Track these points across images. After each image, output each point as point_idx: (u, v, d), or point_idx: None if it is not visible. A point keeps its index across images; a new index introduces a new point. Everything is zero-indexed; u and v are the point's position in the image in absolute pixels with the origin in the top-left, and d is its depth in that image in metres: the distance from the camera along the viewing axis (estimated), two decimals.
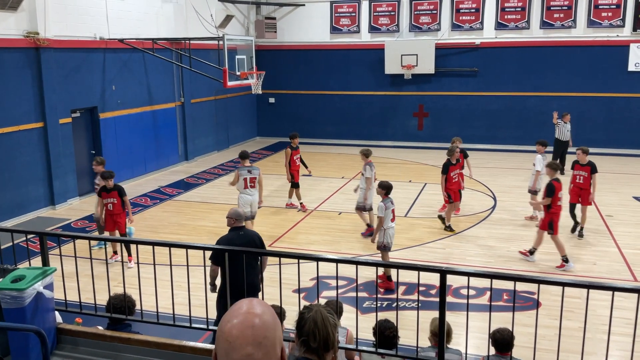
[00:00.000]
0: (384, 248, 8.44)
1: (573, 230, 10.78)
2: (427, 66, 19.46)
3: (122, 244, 9.11)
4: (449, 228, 11.03)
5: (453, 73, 19.82)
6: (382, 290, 8.28)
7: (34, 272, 4.65)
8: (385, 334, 4.81)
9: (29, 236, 6.26)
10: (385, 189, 8.42)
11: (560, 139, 15.56)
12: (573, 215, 10.82)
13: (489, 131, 19.73)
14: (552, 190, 9.11)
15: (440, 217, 11.46)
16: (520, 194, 13.04)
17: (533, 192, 11.34)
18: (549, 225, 9.14)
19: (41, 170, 12.51)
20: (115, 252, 9.29)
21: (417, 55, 19.43)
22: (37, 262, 5.58)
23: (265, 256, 6.28)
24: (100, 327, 5.13)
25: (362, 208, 10.90)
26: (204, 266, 4.70)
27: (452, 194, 11.05)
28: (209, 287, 5.93)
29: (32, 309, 4.50)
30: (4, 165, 11.55)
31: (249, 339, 1.40)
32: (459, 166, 11.27)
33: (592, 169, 10.46)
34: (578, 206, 10.77)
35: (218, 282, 6.18)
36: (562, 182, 9.43)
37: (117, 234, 9.37)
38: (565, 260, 9.13)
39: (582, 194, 10.56)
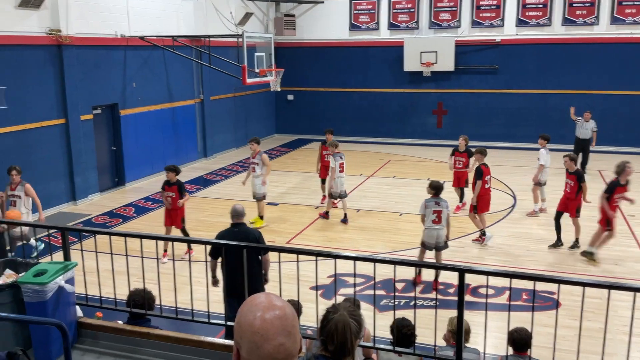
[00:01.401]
0: (422, 245, 8.56)
1: (555, 245, 9.86)
2: (446, 63, 19.31)
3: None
4: (591, 255, 9.42)
5: (473, 70, 19.66)
6: (399, 288, 8.26)
7: (56, 267, 4.72)
8: (403, 332, 4.80)
9: (51, 231, 6.37)
10: (434, 189, 8.42)
11: (579, 137, 15.34)
12: (558, 226, 9.91)
13: (508, 129, 19.53)
14: (480, 174, 10.00)
15: (584, 252, 9.68)
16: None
17: (537, 184, 11.52)
18: (475, 207, 10.11)
19: (63, 166, 12.69)
20: (165, 250, 9.25)
21: (436, 52, 19.29)
22: (58, 256, 5.66)
23: (267, 256, 6.24)
24: (120, 322, 5.19)
25: (331, 195, 11.48)
26: (222, 262, 4.73)
27: (612, 221, 9.27)
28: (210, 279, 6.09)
29: (54, 302, 4.57)
30: (27, 161, 11.73)
31: (279, 329, 1.43)
32: (625, 189, 9.29)
33: (577, 177, 9.63)
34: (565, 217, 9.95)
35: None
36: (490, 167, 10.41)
37: (171, 230, 9.58)
38: (483, 233, 10.12)
39: (569, 204, 9.76)
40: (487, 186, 10.17)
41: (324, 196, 12.87)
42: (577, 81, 18.60)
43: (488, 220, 11.55)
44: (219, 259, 6.08)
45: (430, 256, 8.75)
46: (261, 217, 11.41)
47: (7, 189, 9.37)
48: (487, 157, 12.12)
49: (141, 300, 5.07)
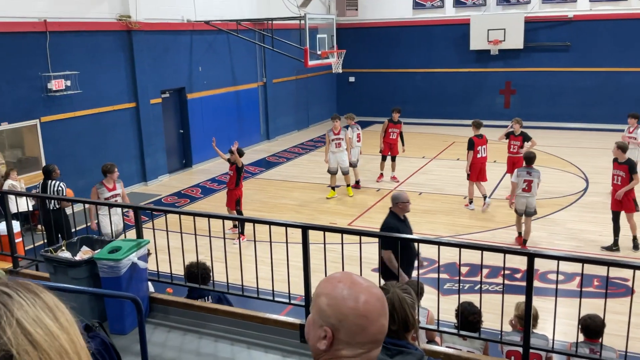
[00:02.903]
0: (516, 212, 9.16)
1: (610, 248, 8.92)
2: (515, 41, 18.63)
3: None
4: None
5: (543, 48, 18.86)
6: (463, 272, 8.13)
7: (129, 244, 4.93)
8: (469, 319, 4.72)
9: (124, 210, 6.65)
10: (526, 159, 9.02)
11: None
12: (616, 228, 8.94)
13: (581, 109, 18.67)
14: (471, 144, 10.88)
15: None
16: None
17: None
18: (468, 174, 10.99)
19: (134, 148, 13.19)
20: (235, 226, 9.62)
21: (504, 29, 18.63)
22: (131, 234, 5.91)
23: (382, 253, 5.78)
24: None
25: (350, 164, 12.42)
26: (286, 242, 4.80)
27: None
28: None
29: (127, 278, 4.78)
30: (101, 143, 12.27)
31: (381, 311, 1.46)
32: None
33: (630, 167, 8.69)
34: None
35: None
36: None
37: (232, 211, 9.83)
38: (470, 202, 11.11)
39: (623, 200, 8.76)
40: (479, 155, 10.89)
41: (381, 174, 13.23)
42: None
43: (559, 204, 11.17)
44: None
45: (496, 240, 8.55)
46: (348, 186, 12.25)
47: (102, 189, 8.10)
48: (556, 139, 11.73)
49: (197, 272, 5.27)
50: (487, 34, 18.88)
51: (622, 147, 8.89)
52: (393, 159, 13.06)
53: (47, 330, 0.79)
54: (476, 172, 10.94)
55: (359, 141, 12.62)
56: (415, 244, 5.66)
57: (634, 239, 8.95)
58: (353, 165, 12.50)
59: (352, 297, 1.43)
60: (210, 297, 5.34)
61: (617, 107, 17.73)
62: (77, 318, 0.87)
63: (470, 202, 11.12)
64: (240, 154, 9.75)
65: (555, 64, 18.87)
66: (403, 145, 12.94)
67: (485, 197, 11.06)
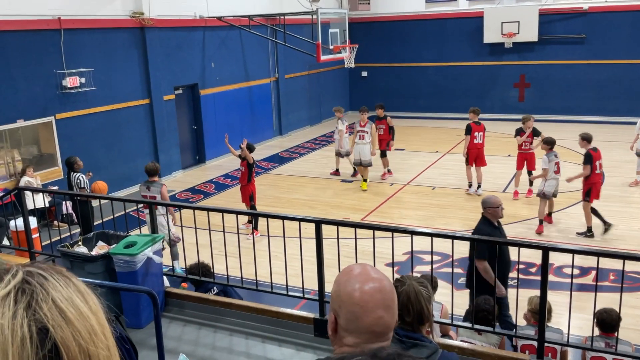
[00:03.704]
0: (543, 196, 9.44)
1: (605, 231, 9.25)
2: (529, 34, 18.46)
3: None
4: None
5: (558, 40, 18.66)
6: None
7: (144, 239, 4.98)
8: (479, 316, 4.71)
9: (139, 206, 6.71)
10: (549, 144, 9.49)
11: None
12: (595, 212, 9.28)
13: (597, 102, 18.46)
14: (469, 129, 11.25)
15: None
16: (631, 169, 12.17)
17: None
18: (466, 159, 11.42)
19: (148, 145, 13.28)
20: (249, 222, 9.61)
21: (518, 22, 18.47)
22: (146, 230, 5.96)
23: (480, 262, 5.62)
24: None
25: (337, 153, 13.17)
26: (300, 237, 4.81)
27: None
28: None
29: (143, 273, 4.83)
30: (115, 139, 12.37)
31: (379, 302, 1.45)
32: None
33: (584, 158, 9.28)
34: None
35: None
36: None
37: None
38: (479, 186, 11.43)
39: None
40: (476, 141, 11.27)
41: (387, 171, 13.15)
42: None
43: (574, 197, 11.06)
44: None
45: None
46: (365, 180, 12.36)
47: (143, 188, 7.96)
48: (571, 132, 11.62)
49: (198, 271, 5.40)
50: (501, 26, 18.73)
51: (585, 139, 9.49)
52: (383, 154, 12.90)
53: (78, 310, 0.84)
54: (473, 157, 11.32)
55: (346, 132, 13.06)
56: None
57: (588, 229, 9.24)
58: (346, 154, 12.95)
59: (350, 285, 1.46)
60: (215, 287, 5.45)
61: (633, 99, 17.52)
62: (103, 304, 0.92)
63: (470, 186, 11.48)
64: (250, 149, 9.76)
65: (570, 57, 18.67)
66: (392, 139, 12.88)
67: (479, 186, 11.44)
